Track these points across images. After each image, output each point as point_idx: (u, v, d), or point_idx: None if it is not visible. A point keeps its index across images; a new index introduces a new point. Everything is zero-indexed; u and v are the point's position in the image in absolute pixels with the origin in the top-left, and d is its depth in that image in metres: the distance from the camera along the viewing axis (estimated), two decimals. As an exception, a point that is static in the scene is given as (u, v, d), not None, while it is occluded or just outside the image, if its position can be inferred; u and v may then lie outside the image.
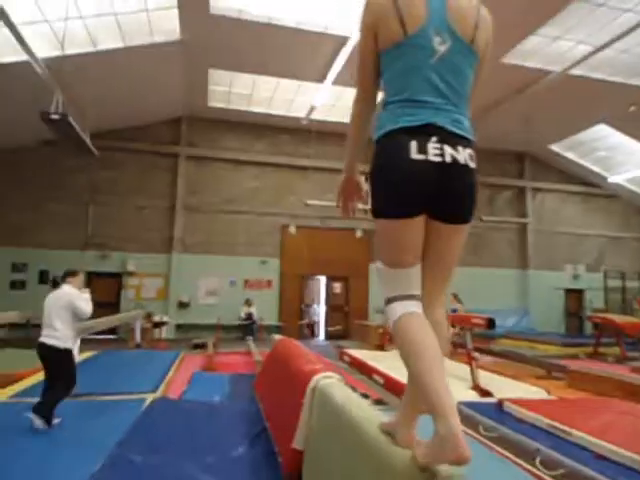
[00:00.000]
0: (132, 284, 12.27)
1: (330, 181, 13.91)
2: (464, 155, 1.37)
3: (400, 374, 5.96)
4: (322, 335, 13.65)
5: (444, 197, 1.37)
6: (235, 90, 11.70)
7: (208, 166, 13.19)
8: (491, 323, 5.77)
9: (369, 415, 1.75)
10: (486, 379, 6.16)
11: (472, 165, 1.39)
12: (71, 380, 4.00)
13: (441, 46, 1.39)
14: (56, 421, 3.83)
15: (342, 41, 9.11)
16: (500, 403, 4.44)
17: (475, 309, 13.10)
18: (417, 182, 1.34)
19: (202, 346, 10.22)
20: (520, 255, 15.31)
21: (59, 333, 3.99)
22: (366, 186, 1.67)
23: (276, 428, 2.85)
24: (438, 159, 1.34)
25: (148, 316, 10.59)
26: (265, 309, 12.87)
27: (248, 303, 12.71)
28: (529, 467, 3.15)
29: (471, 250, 14.83)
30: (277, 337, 5.56)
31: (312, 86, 11.18)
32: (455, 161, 1.36)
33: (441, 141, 1.35)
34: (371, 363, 7.35)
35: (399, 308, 1.36)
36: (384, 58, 1.46)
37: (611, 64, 9.86)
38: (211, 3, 8.22)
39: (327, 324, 13.72)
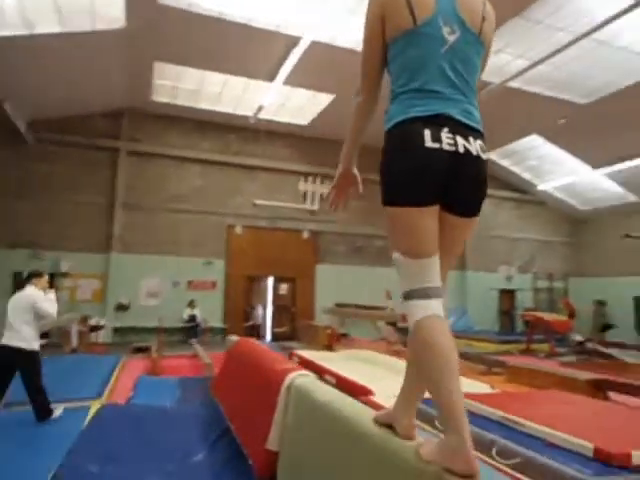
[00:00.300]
0: (66, 285, 11.51)
1: (278, 182, 13.86)
2: (475, 146, 1.38)
3: (351, 373, 6.02)
4: (268, 336, 13.50)
5: (458, 188, 1.38)
6: (182, 85, 11.34)
7: (151, 163, 12.68)
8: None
9: (359, 410, 1.74)
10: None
11: (484, 157, 1.41)
12: (39, 379, 4.09)
13: (451, 36, 1.39)
14: (58, 413, 4.15)
15: (294, 41, 9.09)
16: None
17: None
18: (433, 170, 1.33)
19: (144, 350, 9.78)
20: (459, 257, 15.96)
21: (24, 335, 4.00)
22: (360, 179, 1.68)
23: (243, 430, 2.77)
24: (452, 148, 1.34)
25: (84, 319, 9.99)
26: (209, 311, 12.55)
27: (192, 305, 12.35)
28: (486, 458, 3.28)
29: (414, 252, 15.30)
30: (234, 338, 5.43)
31: (262, 85, 11.06)
32: (468, 152, 1.37)
33: (453, 132, 1.35)
34: (321, 363, 7.34)
35: (420, 309, 1.32)
36: (392, 47, 1.45)
37: (545, 79, 10.54)
38: (160, -8, 7.92)
39: (273, 325, 13.60)
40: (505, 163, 15.79)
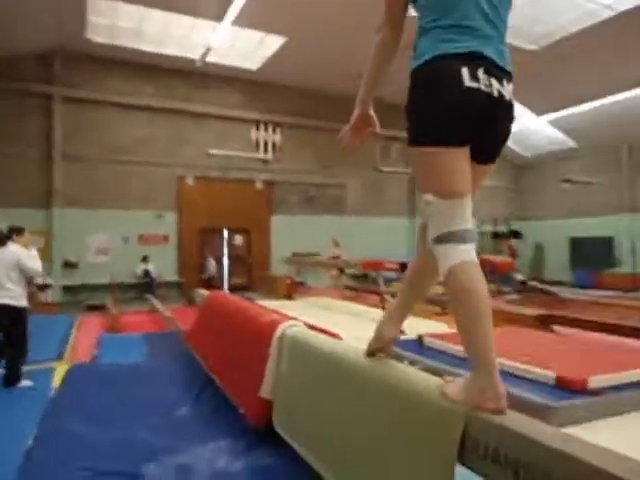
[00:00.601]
0: (6, 244, 10.79)
1: (229, 130, 13.35)
2: (508, 90, 1.35)
3: (317, 320, 6.16)
4: (225, 288, 13.46)
5: (488, 133, 1.37)
6: (120, 24, 10.40)
7: (91, 110, 11.76)
8: (404, 267, 6.17)
9: (361, 354, 1.79)
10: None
11: (513, 103, 1.39)
12: (25, 338, 4.04)
13: None
14: (26, 383, 3.85)
15: (244, -24, 8.50)
16: (420, 338, 4.83)
17: (373, 255, 13.89)
18: (472, 111, 1.29)
19: (99, 307, 9.52)
20: (410, 203, 16.34)
21: (12, 292, 3.92)
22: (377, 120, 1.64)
23: (231, 382, 2.78)
24: (488, 90, 1.31)
25: (30, 278, 9.48)
26: (163, 265, 12.27)
27: (145, 260, 12.00)
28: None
29: (368, 201, 15.49)
30: (202, 292, 5.37)
31: (209, 24, 10.36)
32: (501, 96, 1.34)
33: (487, 73, 1.30)
34: (284, 311, 7.45)
35: (455, 253, 1.30)
36: None
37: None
38: None
39: (230, 277, 13.54)
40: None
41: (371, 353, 1.72)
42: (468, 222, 1.35)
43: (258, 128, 13.74)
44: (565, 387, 3.21)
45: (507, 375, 3.82)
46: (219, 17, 9.81)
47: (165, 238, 12.55)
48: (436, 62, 1.31)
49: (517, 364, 3.69)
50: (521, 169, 18.63)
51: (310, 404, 2.04)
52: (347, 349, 1.90)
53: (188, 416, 2.99)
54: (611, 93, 12.51)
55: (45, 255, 11.24)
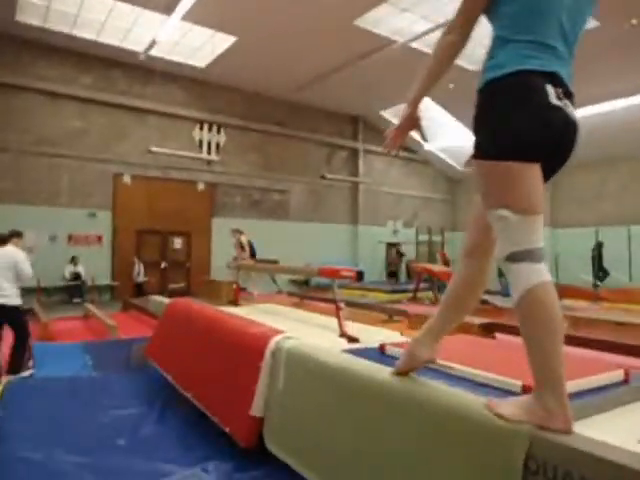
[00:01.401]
0: None
1: (172, 128, 12.81)
2: (576, 115, 1.35)
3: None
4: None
5: (562, 153, 1.36)
6: (56, 6, 9.63)
7: (16, 97, 10.76)
8: (360, 275, 6.17)
9: (379, 368, 1.72)
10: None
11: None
12: (27, 333, 4.34)
13: None
14: (25, 373, 4.19)
15: (200, -30, 8.20)
16: (382, 347, 4.83)
17: (314, 262, 13.89)
18: (555, 128, 1.28)
19: (22, 313, 8.66)
20: (351, 211, 16.57)
21: (7, 292, 4.10)
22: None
23: (211, 399, 2.59)
24: (568, 111, 1.31)
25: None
26: (95, 268, 11.47)
27: (74, 261, 11.15)
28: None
29: (311, 207, 15.50)
30: (160, 299, 5.03)
31: (156, 17, 9.89)
32: (575, 119, 1.34)
33: (565, 94, 1.31)
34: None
35: (533, 274, 1.27)
36: None
37: (443, 42, 11.01)
38: None
39: (168, 281, 12.92)
40: (397, 122, 16.44)
41: (400, 374, 1.66)
42: (541, 241, 1.34)
43: (202, 128, 13.30)
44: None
45: (473, 383, 3.92)
46: (168, 10, 9.39)
47: (98, 238, 11.75)
48: (522, 76, 1.28)
49: (484, 373, 3.78)
50: (455, 182, 19.54)
51: (317, 422, 1.94)
52: (364, 365, 1.82)
53: (158, 435, 2.75)
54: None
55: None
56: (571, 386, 3.48)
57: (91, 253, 11.53)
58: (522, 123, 1.27)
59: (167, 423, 2.94)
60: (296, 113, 14.95)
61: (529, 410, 1.27)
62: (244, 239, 10.84)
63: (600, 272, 13.70)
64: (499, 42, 1.36)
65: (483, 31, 1.52)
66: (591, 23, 9.44)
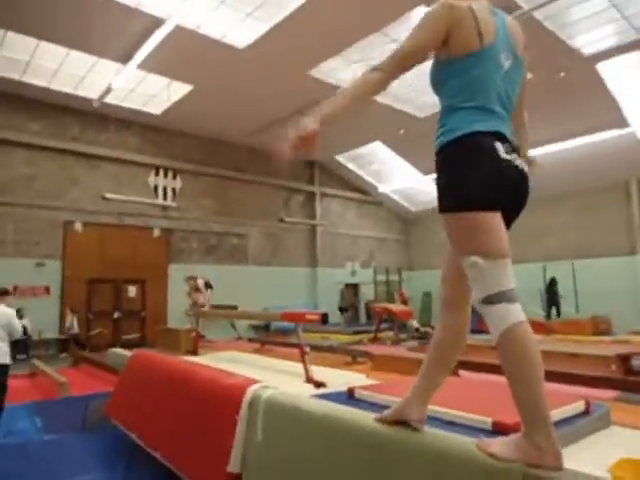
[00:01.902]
0: None
1: (126, 174, 12.63)
2: (522, 163, 1.53)
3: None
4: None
5: (517, 199, 1.52)
6: (6, 54, 9.49)
7: (-40, 144, 10.37)
8: (324, 318, 6.16)
9: (365, 415, 1.72)
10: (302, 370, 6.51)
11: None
12: (5, 393, 4.33)
13: (506, 62, 1.53)
14: None
15: (157, 22, 8.36)
16: (351, 391, 4.77)
17: (273, 306, 13.74)
18: (509, 178, 1.45)
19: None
20: (310, 254, 16.66)
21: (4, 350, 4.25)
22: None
23: (182, 456, 2.47)
24: (516, 162, 1.48)
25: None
26: (43, 321, 10.82)
27: (19, 314, 10.45)
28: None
29: (269, 251, 15.47)
30: (120, 351, 4.79)
31: (111, 65, 9.92)
32: (522, 168, 1.52)
33: (510, 148, 1.49)
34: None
35: (510, 314, 1.36)
36: (456, 65, 1.52)
37: (393, 92, 11.63)
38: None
39: (121, 332, 12.33)
40: (351, 166, 16.98)
41: (385, 422, 1.67)
42: (512, 282, 1.42)
43: (157, 173, 13.19)
44: (502, 431, 3.37)
45: (443, 422, 3.93)
46: (125, 59, 9.46)
47: (46, 290, 11.16)
48: (473, 137, 1.45)
49: (453, 411, 3.81)
50: (409, 222, 20.14)
51: (301, 474, 1.89)
52: (352, 413, 1.82)
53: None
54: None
55: None
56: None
57: (38, 305, 10.89)
58: (479, 177, 1.42)
59: (131, 486, 2.77)
60: (253, 158, 15.14)
61: (520, 448, 1.31)
62: (200, 282, 10.68)
63: (555, 307, 14.40)
64: (449, 110, 1.54)
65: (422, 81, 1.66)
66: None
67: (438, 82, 1.59)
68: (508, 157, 1.45)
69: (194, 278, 10.81)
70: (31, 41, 9.04)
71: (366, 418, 1.76)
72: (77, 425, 4.21)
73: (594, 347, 7.82)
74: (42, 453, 3.38)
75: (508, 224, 1.52)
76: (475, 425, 3.58)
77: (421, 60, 1.54)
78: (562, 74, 9.97)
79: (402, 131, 13.77)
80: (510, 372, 1.37)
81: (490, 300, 1.39)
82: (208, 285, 10.96)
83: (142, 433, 2.91)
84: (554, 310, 14.44)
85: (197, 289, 10.57)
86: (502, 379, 5.02)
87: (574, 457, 1.54)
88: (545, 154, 13.26)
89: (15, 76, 10.27)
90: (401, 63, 1.54)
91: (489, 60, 1.50)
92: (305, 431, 1.93)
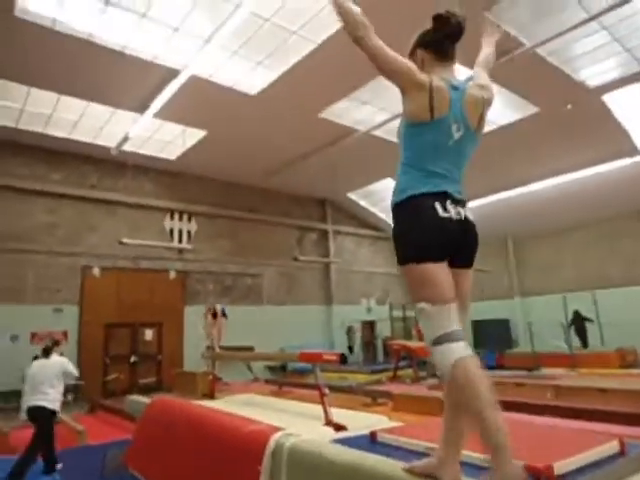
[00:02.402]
0: None
1: (142, 219, 12.88)
2: (468, 214, 1.79)
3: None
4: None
5: (464, 246, 1.76)
6: (30, 108, 9.94)
7: (-19, 195, 10.73)
8: (343, 358, 6.06)
9: (390, 465, 1.67)
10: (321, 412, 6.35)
11: (474, 222, 1.83)
12: (53, 435, 4.83)
13: (457, 133, 1.75)
14: (59, 466, 4.61)
15: (172, 73, 8.73)
16: (373, 435, 4.63)
17: (289, 346, 13.59)
18: (447, 233, 1.68)
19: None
20: (325, 291, 16.59)
21: (50, 397, 4.71)
22: None
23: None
24: (457, 217, 1.72)
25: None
26: (60, 366, 10.80)
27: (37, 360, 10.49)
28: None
29: (284, 290, 15.45)
30: (139, 398, 4.76)
31: (128, 115, 10.31)
32: (466, 218, 1.77)
33: (454, 204, 1.73)
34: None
35: (455, 351, 1.54)
36: (411, 128, 1.77)
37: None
38: (18, 4, 6.93)
39: (138, 376, 12.26)
40: (364, 203, 17.11)
41: (414, 473, 1.66)
42: (457, 324, 1.61)
43: (172, 217, 13.44)
44: (533, 475, 3.22)
45: (475, 468, 3.75)
46: (141, 109, 9.84)
47: (64, 335, 11.21)
48: (417, 199, 1.70)
49: (482, 456, 3.64)
50: (423, 257, 20.02)
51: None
52: (378, 461, 1.77)
53: None
54: (497, 191, 14.33)
55: None
56: (572, 463, 3.41)
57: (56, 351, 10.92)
58: (420, 234, 1.66)
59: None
60: (266, 199, 15.38)
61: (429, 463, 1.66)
62: (218, 307, 10.71)
63: (582, 339, 14.03)
64: (403, 169, 1.79)
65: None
66: (531, 110, 10.46)
67: (399, 137, 1.85)
68: (446, 215, 1.68)
69: (212, 307, 10.81)
70: (53, 95, 9.46)
71: (393, 467, 1.71)
72: (95, 474, 4.14)
73: (622, 381, 7.54)
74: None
75: (466, 263, 1.78)
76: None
77: (384, 70, 1.76)
78: (569, 106, 10.08)
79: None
80: (452, 401, 1.60)
81: (438, 341, 1.57)
82: (224, 314, 10.91)
83: (162, 483, 2.85)
84: (577, 341, 14.05)
85: (214, 313, 10.51)
86: (529, 418, 4.83)
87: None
88: (558, 184, 13.28)
89: (38, 129, 10.71)
90: (373, 53, 1.74)
91: (440, 130, 1.72)
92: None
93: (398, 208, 1.74)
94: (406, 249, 1.68)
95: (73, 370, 5.10)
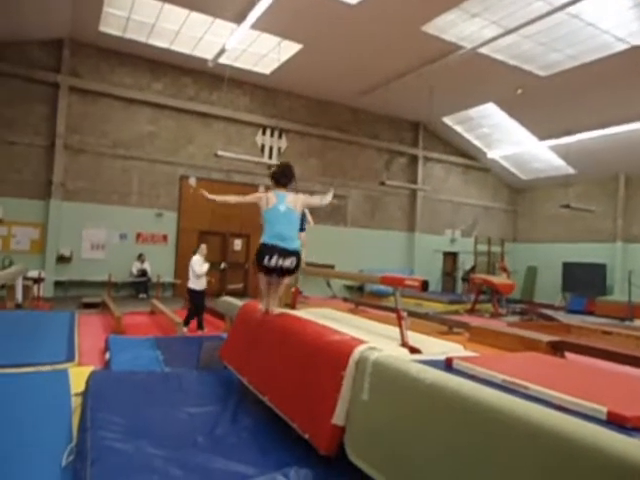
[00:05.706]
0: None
1: (235, 133, 13.20)
2: (288, 261, 3.39)
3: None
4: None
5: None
6: (135, 17, 10.19)
7: (95, 102, 11.49)
8: (425, 285, 6.07)
9: (472, 387, 1.67)
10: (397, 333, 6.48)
11: (291, 266, 3.46)
12: (203, 306, 7.72)
13: (282, 210, 3.44)
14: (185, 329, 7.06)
15: (272, -20, 8.37)
16: (449, 361, 4.70)
17: (368, 268, 13.82)
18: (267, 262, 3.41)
19: (94, 305, 9.20)
20: (409, 218, 16.36)
21: (192, 282, 7.46)
22: None
23: (289, 405, 2.63)
24: (273, 263, 3.40)
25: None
26: (160, 265, 11.98)
27: (141, 259, 11.70)
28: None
29: (368, 213, 15.45)
30: (230, 300, 5.18)
31: (225, 26, 10.22)
32: (282, 265, 3.39)
33: (278, 253, 3.36)
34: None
35: None
36: (264, 213, 3.52)
37: (512, 48, 10.65)
38: None
39: (227, 282, 13.26)
40: (459, 129, 16.10)
41: None
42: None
43: (264, 133, 13.62)
44: (618, 423, 3.12)
45: (551, 406, 3.72)
46: (239, 19, 9.67)
47: (164, 238, 12.28)
48: (263, 244, 3.44)
49: (563, 395, 3.58)
50: (517, 191, 18.84)
51: (405, 437, 1.92)
52: (460, 383, 1.78)
53: (233, 436, 2.82)
54: (611, 125, 12.72)
55: (39, 248, 10.89)
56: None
57: (157, 251, 12.06)
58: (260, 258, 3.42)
59: (241, 424, 3.00)
60: (357, 119, 14.98)
61: None
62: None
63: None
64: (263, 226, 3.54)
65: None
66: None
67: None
68: (267, 254, 3.39)
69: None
70: (156, 4, 9.57)
71: (478, 391, 1.71)
72: (192, 362, 4.65)
73: None
74: (163, 383, 3.79)
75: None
76: (587, 413, 3.34)
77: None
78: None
79: (520, 91, 12.67)
80: None
81: None
82: (302, 228, 11.25)
83: (251, 378, 3.13)
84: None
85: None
86: (613, 366, 4.59)
87: None
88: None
89: (142, 38, 11.02)
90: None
91: (273, 211, 3.45)
92: (411, 397, 1.94)
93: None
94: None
95: (197, 268, 7.24)
